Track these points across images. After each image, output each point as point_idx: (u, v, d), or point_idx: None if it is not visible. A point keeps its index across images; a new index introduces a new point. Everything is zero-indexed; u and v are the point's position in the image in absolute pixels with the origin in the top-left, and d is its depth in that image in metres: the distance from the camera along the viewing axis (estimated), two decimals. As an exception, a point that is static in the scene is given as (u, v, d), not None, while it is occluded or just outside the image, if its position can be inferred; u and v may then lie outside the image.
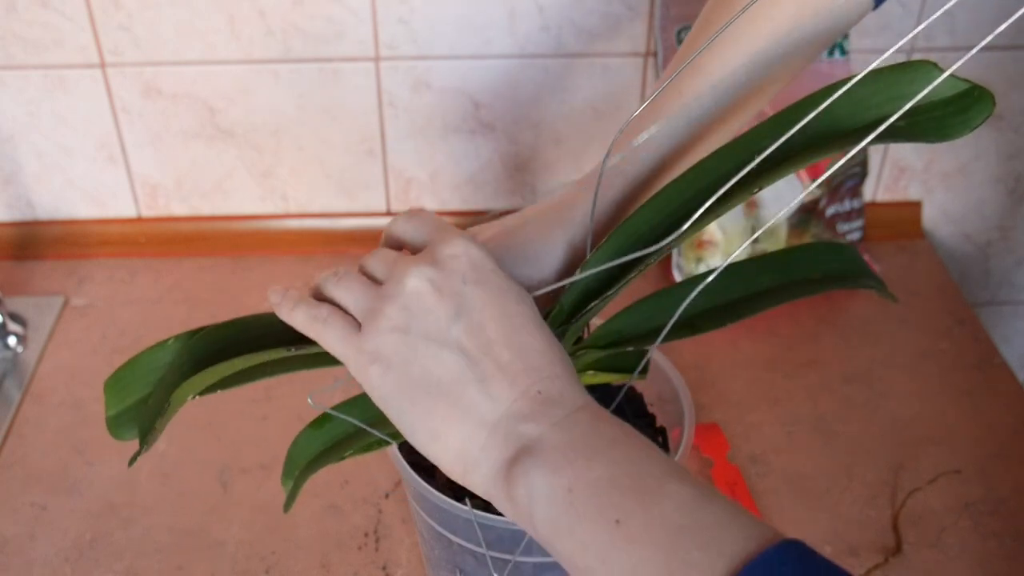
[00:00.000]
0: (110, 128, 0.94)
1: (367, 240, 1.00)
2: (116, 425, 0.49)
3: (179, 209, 1.00)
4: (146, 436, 0.47)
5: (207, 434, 0.79)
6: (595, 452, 0.41)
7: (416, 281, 0.44)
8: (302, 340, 0.47)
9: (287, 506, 0.53)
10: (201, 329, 0.49)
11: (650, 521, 0.39)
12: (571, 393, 0.44)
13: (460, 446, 0.43)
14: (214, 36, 0.89)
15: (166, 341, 0.49)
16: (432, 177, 0.99)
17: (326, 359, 0.49)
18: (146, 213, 1.00)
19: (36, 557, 0.70)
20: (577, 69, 0.92)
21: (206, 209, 1.00)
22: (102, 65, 0.90)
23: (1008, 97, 0.96)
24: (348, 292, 0.46)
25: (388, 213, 1.00)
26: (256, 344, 0.48)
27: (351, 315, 0.46)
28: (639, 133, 0.55)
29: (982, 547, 0.71)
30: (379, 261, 0.47)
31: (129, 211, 1.00)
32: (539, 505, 0.41)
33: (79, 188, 0.98)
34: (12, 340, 0.88)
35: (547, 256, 0.55)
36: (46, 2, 0.87)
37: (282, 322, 0.48)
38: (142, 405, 0.49)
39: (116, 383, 0.49)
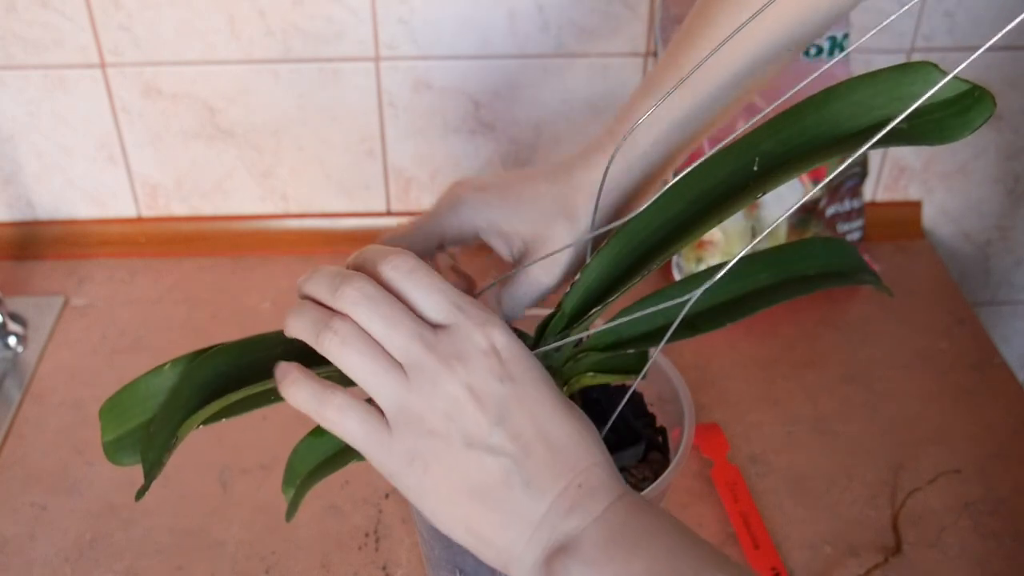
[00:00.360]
0: (110, 128, 0.94)
1: (367, 240, 0.99)
2: (114, 450, 0.49)
3: (179, 209, 1.00)
4: (152, 471, 0.46)
5: (207, 434, 0.79)
6: (634, 546, 0.42)
7: (453, 387, 0.42)
8: (308, 363, 0.47)
9: (289, 515, 0.52)
10: (201, 352, 0.48)
11: None
12: (609, 481, 0.44)
13: (504, 544, 0.43)
14: (214, 36, 0.89)
15: (163, 366, 0.48)
16: (432, 177, 0.99)
17: (333, 381, 0.48)
18: (146, 213, 1.00)
19: (36, 557, 0.70)
20: (577, 69, 0.92)
21: (206, 209, 1.00)
22: (102, 65, 0.90)
23: (1008, 97, 0.96)
24: (370, 376, 0.43)
25: (388, 213, 1.00)
26: (259, 367, 0.47)
27: (366, 394, 0.44)
28: (643, 137, 0.55)
29: (982, 547, 0.71)
30: (394, 333, 0.43)
31: (129, 211, 1.00)
32: None
33: (79, 188, 0.98)
34: (12, 340, 0.88)
35: (543, 214, 0.55)
36: (46, 2, 0.87)
37: (284, 344, 0.47)
38: (140, 431, 0.48)
39: (112, 409, 0.49)
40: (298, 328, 0.45)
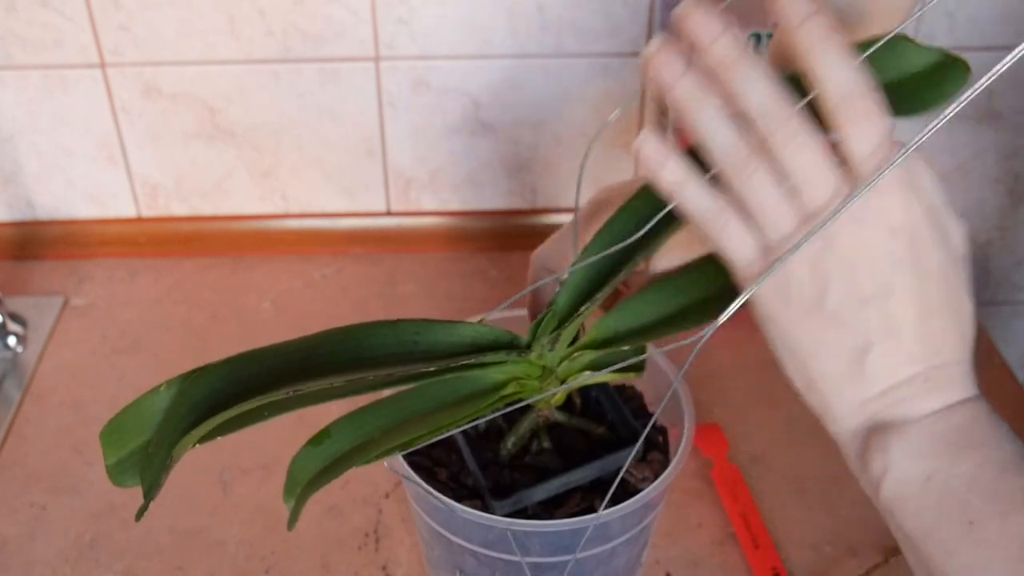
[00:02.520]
0: (110, 128, 0.94)
1: (367, 240, 1.00)
2: (117, 473, 0.49)
3: (179, 209, 1.00)
4: (151, 491, 0.46)
5: (207, 434, 0.79)
6: (964, 449, 0.41)
7: (852, 244, 0.40)
8: (300, 380, 0.46)
9: (291, 525, 0.52)
10: (195, 372, 0.48)
11: (1005, 531, 0.39)
12: (960, 384, 0.43)
13: (830, 399, 0.44)
14: (214, 36, 0.89)
15: (159, 387, 0.48)
16: (432, 177, 0.99)
17: (326, 395, 0.48)
18: (146, 213, 1.00)
19: (36, 557, 0.70)
20: (577, 69, 0.92)
21: (206, 209, 1.00)
22: (102, 65, 0.90)
23: (1007, 97, 0.96)
24: (762, 202, 0.41)
25: (388, 213, 1.00)
26: (253, 383, 0.47)
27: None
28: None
29: (982, 547, 0.71)
30: (798, 155, 0.40)
31: (129, 211, 1.00)
32: (889, 482, 0.42)
33: (79, 188, 0.98)
34: (12, 340, 0.88)
35: None
36: (46, 2, 0.87)
37: (278, 359, 0.47)
38: (141, 452, 0.49)
39: (112, 432, 0.49)
40: None
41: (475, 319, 0.54)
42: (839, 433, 0.44)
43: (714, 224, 0.43)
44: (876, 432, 0.42)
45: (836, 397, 0.43)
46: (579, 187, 0.52)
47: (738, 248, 0.43)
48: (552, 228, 0.57)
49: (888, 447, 0.42)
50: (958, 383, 0.43)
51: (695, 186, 0.42)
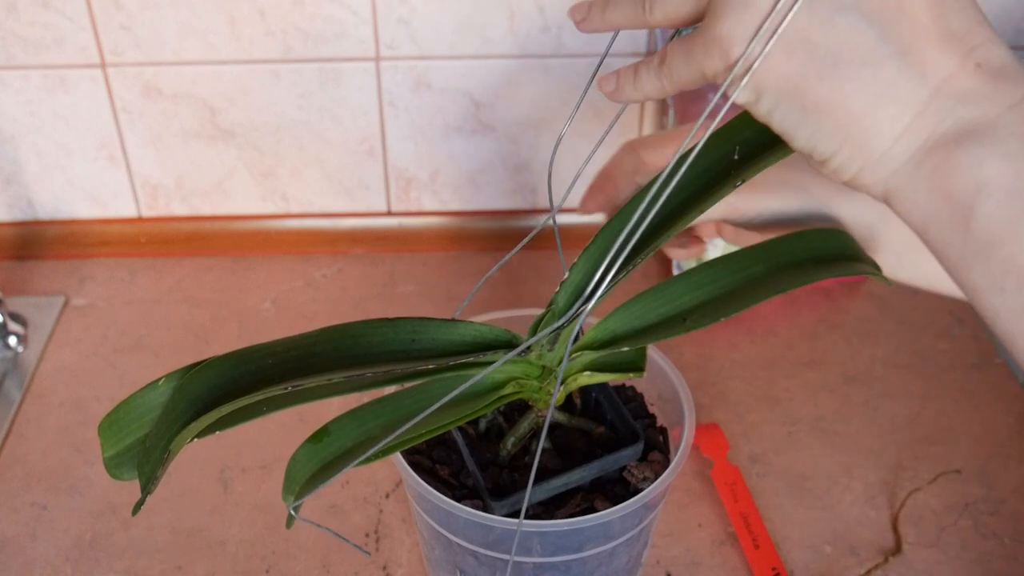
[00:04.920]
0: (110, 128, 0.94)
1: (367, 240, 1.00)
2: (114, 466, 0.49)
3: (179, 209, 1.00)
4: (148, 485, 0.46)
5: (207, 434, 0.79)
6: None
7: None
8: (298, 376, 0.47)
9: (289, 523, 0.52)
10: (194, 366, 0.48)
11: None
12: (1015, 65, 0.35)
13: (864, 141, 0.36)
14: (214, 36, 0.89)
15: (157, 381, 0.49)
16: (432, 177, 0.99)
17: (324, 392, 0.48)
18: (146, 213, 1.00)
19: (36, 557, 0.70)
20: (577, 69, 0.92)
21: (206, 209, 1.00)
22: (103, 65, 0.91)
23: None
24: None
25: (388, 213, 1.00)
26: (251, 379, 0.47)
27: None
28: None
29: (982, 547, 0.71)
30: None
31: (129, 211, 1.00)
32: (990, 202, 0.34)
33: (79, 188, 0.98)
34: (13, 340, 0.88)
35: None
36: (46, 2, 0.87)
37: (275, 356, 0.47)
38: (139, 446, 0.49)
39: (110, 425, 0.49)
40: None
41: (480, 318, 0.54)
42: (896, 175, 0.36)
43: (676, 63, 0.39)
44: (954, 148, 0.35)
45: (869, 132, 0.35)
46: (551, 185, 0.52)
47: (710, 62, 0.38)
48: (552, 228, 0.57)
49: (981, 162, 0.34)
50: (1012, 61, 0.35)
51: (642, 66, 0.40)
